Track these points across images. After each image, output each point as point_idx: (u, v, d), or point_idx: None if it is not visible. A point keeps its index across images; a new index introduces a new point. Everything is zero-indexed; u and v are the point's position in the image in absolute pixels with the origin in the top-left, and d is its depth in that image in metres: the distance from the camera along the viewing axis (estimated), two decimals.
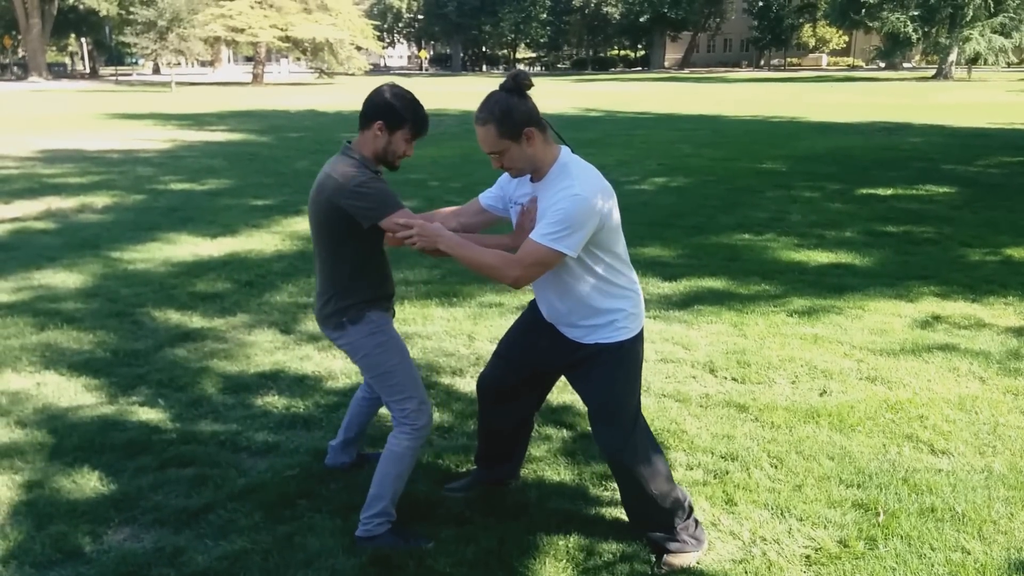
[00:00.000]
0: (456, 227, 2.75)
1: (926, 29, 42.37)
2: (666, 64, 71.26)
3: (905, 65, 57.82)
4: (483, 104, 2.46)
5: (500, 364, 2.95)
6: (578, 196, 2.39)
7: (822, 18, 61.79)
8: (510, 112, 2.42)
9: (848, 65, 67.46)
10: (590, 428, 2.75)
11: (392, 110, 2.63)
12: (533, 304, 2.86)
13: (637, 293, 2.70)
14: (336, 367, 4.38)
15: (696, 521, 2.82)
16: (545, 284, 2.63)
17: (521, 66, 74.29)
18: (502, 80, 2.51)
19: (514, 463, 3.21)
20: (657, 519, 2.73)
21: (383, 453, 2.82)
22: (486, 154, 2.52)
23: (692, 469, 3.35)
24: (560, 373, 2.88)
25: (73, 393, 4.10)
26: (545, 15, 68.51)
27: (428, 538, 2.85)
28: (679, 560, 2.73)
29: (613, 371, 2.64)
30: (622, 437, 2.65)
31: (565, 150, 2.55)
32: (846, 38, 70.84)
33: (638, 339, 2.68)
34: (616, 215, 2.55)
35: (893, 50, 45.49)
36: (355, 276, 2.72)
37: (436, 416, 3.84)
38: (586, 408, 2.76)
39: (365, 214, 2.58)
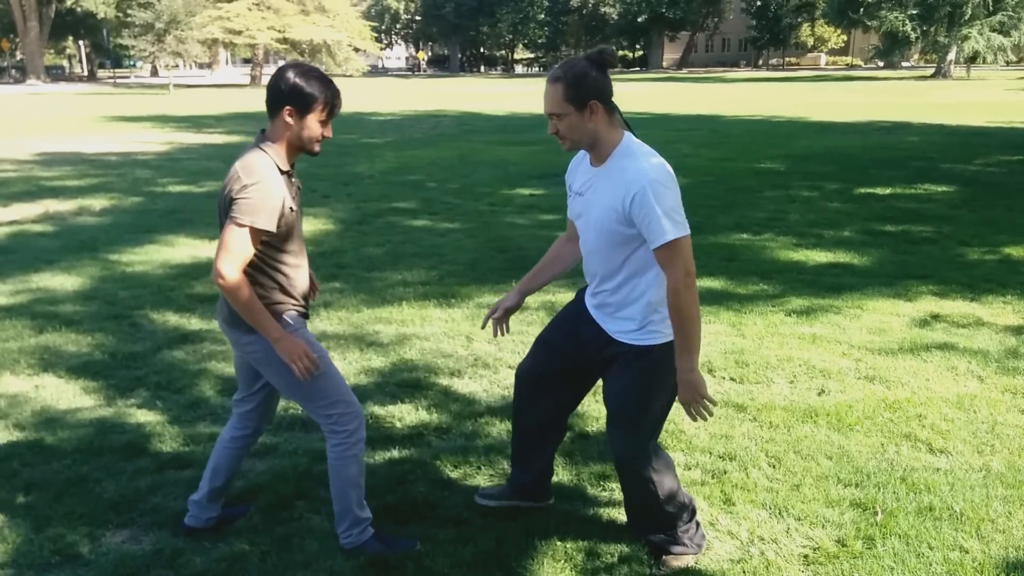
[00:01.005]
0: (573, 248, 2.79)
1: (925, 28, 42.41)
2: (664, 64, 71.29)
3: (904, 64, 57.82)
4: (561, 64, 2.44)
5: (540, 350, 2.85)
6: (656, 181, 2.35)
7: (820, 17, 61.84)
8: (584, 78, 2.38)
9: (847, 64, 67.48)
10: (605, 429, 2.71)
11: (298, 92, 2.41)
12: (580, 294, 2.79)
13: None
14: None
15: (697, 524, 2.80)
16: (603, 270, 2.56)
17: (519, 67, 74.55)
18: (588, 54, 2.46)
19: (537, 477, 3.00)
20: (661, 523, 2.71)
21: (328, 469, 2.72)
22: (547, 115, 2.44)
23: (690, 469, 3.35)
24: (594, 372, 2.74)
25: (71, 395, 4.10)
26: (543, 16, 68.50)
27: (414, 539, 2.83)
28: (679, 561, 2.72)
29: (636, 376, 2.55)
30: (637, 445, 2.58)
31: (628, 135, 2.50)
32: (844, 37, 70.86)
33: (671, 347, 2.51)
34: None
35: (892, 49, 45.51)
36: (266, 273, 2.52)
37: (435, 417, 3.84)
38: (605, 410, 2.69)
39: (233, 209, 2.39)
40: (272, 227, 2.42)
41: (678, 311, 2.41)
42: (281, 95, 2.42)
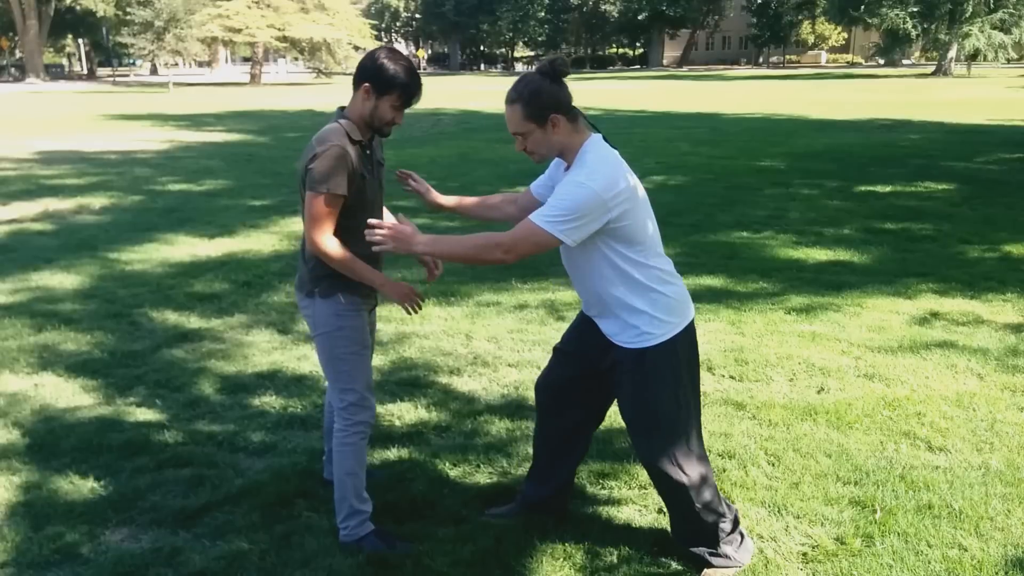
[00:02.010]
0: (514, 212, 2.80)
1: (925, 25, 42.42)
2: (665, 62, 71.23)
3: (904, 62, 57.78)
4: (515, 84, 2.44)
5: (555, 358, 2.84)
6: (583, 185, 2.32)
7: (821, 15, 61.80)
8: (539, 94, 2.39)
9: (847, 62, 67.44)
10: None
11: (381, 73, 2.52)
12: None
13: (666, 295, 2.51)
14: None
15: (742, 534, 2.73)
16: (572, 275, 2.59)
17: (519, 65, 74.49)
18: (538, 65, 2.48)
19: (558, 491, 2.96)
20: (702, 534, 2.64)
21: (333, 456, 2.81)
22: (511, 135, 2.47)
23: None
24: (606, 378, 2.66)
25: (71, 394, 4.10)
26: (543, 13, 68.44)
27: (411, 543, 2.81)
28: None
29: (637, 383, 2.53)
30: (659, 449, 2.53)
31: (593, 139, 2.47)
32: (845, 35, 70.77)
33: (670, 347, 2.49)
34: (638, 208, 2.43)
35: (892, 47, 45.56)
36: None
37: (434, 415, 3.84)
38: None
39: (308, 180, 2.51)
40: (344, 190, 2.52)
41: (465, 256, 2.57)
42: (365, 71, 2.55)
